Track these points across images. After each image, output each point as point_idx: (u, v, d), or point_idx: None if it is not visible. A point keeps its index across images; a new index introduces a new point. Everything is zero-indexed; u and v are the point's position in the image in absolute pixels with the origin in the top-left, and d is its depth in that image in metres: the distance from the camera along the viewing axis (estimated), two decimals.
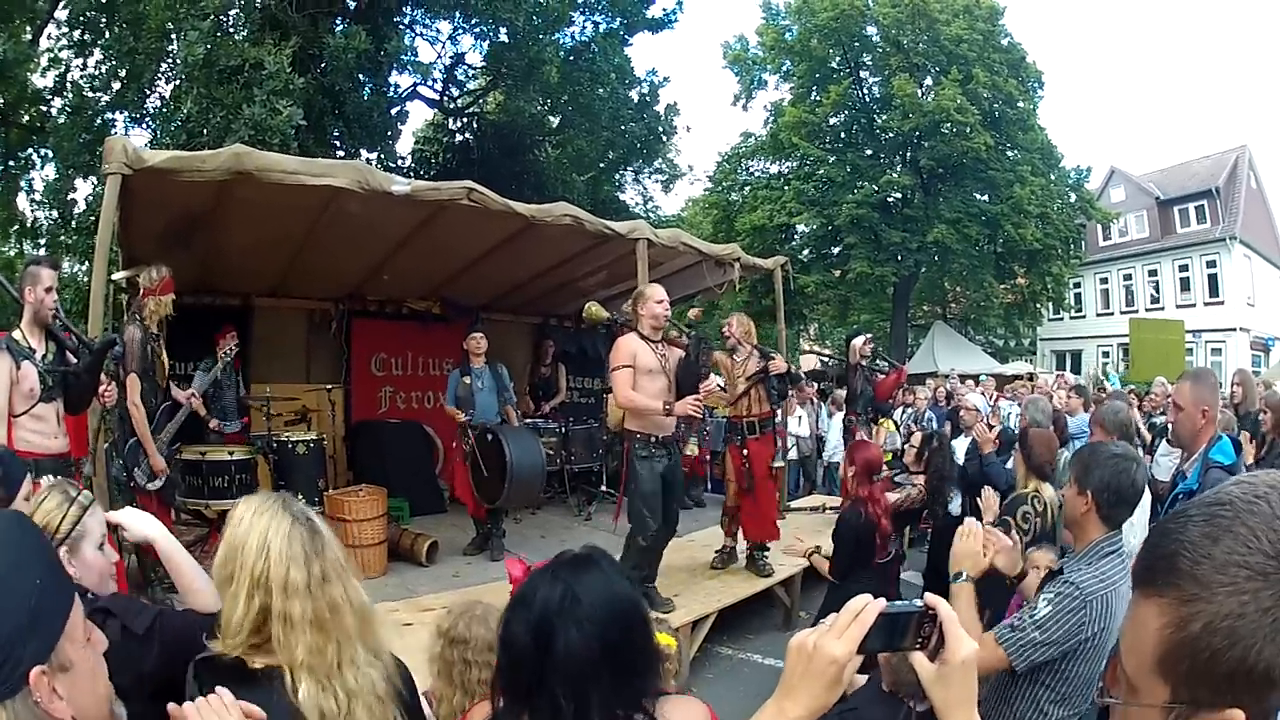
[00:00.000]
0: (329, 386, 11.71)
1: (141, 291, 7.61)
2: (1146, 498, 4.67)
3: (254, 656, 2.13)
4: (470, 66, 27.00)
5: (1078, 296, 42.48)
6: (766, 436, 9.05)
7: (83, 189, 20.14)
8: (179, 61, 17.77)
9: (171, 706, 1.91)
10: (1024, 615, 3.28)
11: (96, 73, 19.68)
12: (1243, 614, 1.00)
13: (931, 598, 1.61)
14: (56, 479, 3.22)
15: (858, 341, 11.71)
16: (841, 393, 14.40)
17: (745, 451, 8.92)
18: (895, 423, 12.89)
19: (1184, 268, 38.58)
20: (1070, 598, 3.19)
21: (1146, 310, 37.75)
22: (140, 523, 2.97)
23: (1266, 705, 1.04)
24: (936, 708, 1.62)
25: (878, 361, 12.15)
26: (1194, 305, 36.79)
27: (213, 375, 8.81)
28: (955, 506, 8.27)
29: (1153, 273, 39.93)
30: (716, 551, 9.35)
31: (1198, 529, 1.08)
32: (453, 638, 3.34)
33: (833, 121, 35.80)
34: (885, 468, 7.04)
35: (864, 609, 1.58)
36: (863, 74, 35.41)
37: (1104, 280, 42.17)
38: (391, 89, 24.37)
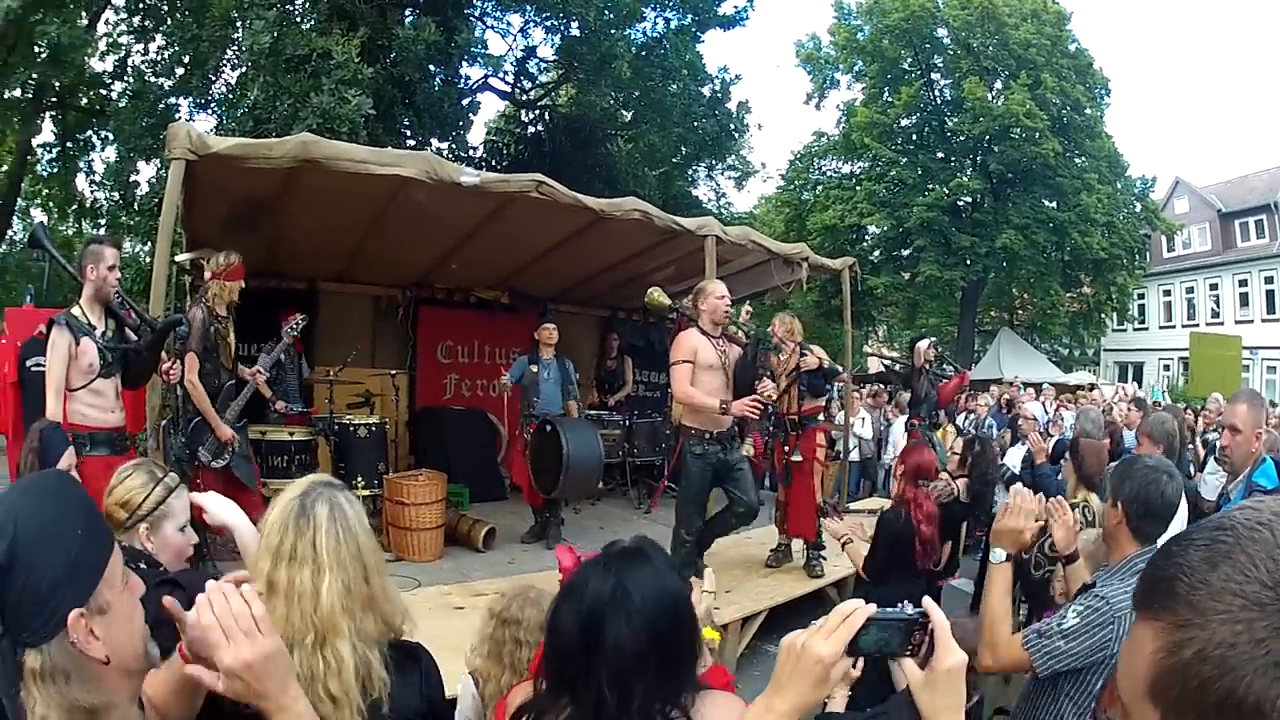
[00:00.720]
0: (394, 372, 11.76)
1: (209, 274, 7.64)
2: (1184, 514, 4.60)
3: None
4: (542, 59, 27.23)
5: (1141, 308, 42.24)
6: (808, 432, 9.04)
7: (145, 171, 20.68)
8: (244, 50, 18.13)
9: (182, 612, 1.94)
10: (1052, 622, 3.26)
11: (158, 58, 20.21)
12: (1235, 644, 0.98)
13: (927, 603, 1.65)
14: (143, 458, 3.29)
15: (922, 345, 11.63)
16: (905, 395, 14.34)
17: (786, 448, 8.95)
18: (958, 428, 12.83)
19: (1243, 282, 38.19)
20: (1099, 612, 3.15)
21: (1207, 324, 37.39)
22: (222, 508, 3.01)
23: None
24: (923, 713, 1.65)
25: (944, 366, 12.10)
26: (1252, 321, 36.41)
27: (276, 354, 8.83)
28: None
29: (1214, 286, 39.58)
30: (771, 550, 9.32)
31: (1198, 553, 1.06)
32: (505, 618, 3.37)
33: (904, 123, 35.87)
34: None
35: (853, 612, 1.62)
36: (934, 76, 35.42)
37: (1167, 292, 41.88)
38: (462, 80, 24.58)
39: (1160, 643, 1.05)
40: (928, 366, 11.51)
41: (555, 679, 2.01)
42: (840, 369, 10.35)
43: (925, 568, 5.97)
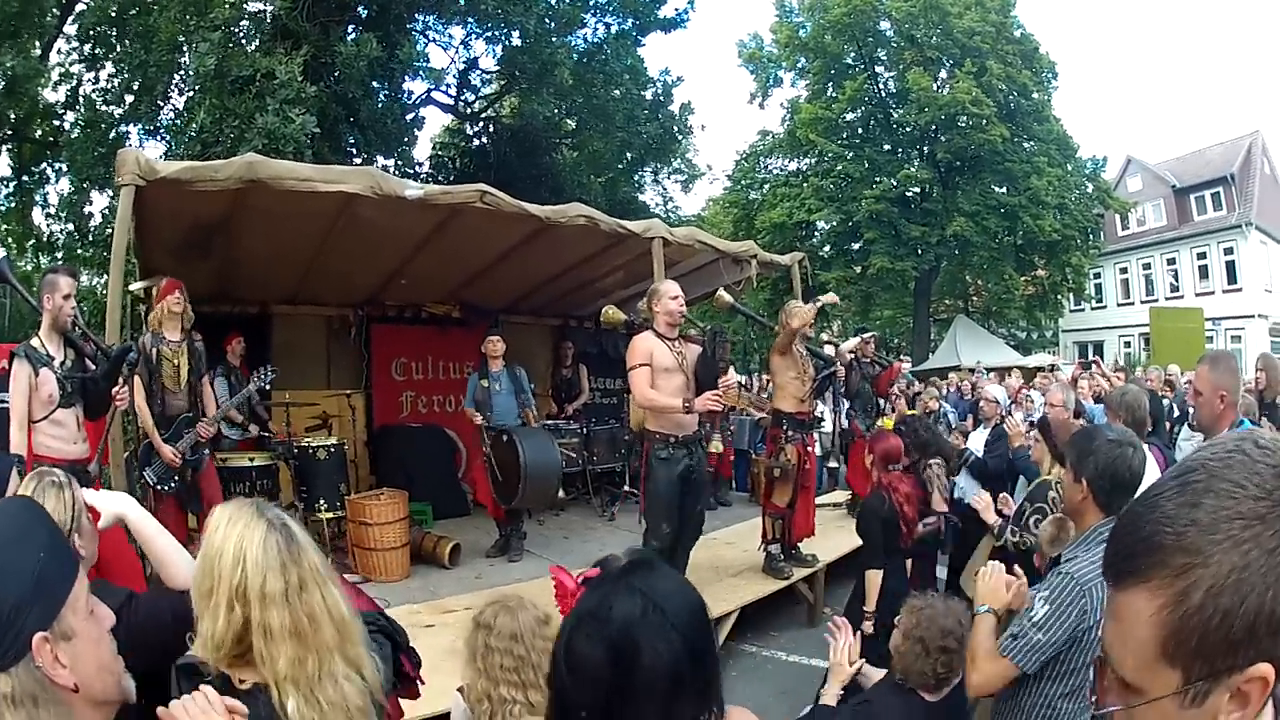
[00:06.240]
0: (349, 392, 11.79)
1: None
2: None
3: (239, 671, 2.10)
4: (484, 71, 27.18)
5: (1098, 287, 42.62)
6: (809, 435, 9.00)
7: (99, 202, 20.57)
8: (191, 73, 18.02)
9: (160, 710, 1.91)
10: (1023, 620, 3.23)
11: (109, 86, 20.02)
12: (1247, 564, 0.97)
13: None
14: (36, 470, 3.23)
15: (845, 345, 11.65)
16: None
17: (809, 449, 8.89)
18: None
19: (1202, 255, 38.60)
20: (1066, 590, 3.13)
21: (1166, 299, 37.63)
22: (110, 502, 2.96)
23: None
24: None
25: (887, 356, 12.18)
26: (1213, 293, 36.75)
27: (243, 396, 8.90)
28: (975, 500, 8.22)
29: (1171, 261, 39.98)
30: (780, 559, 9.00)
31: (1171, 503, 1.05)
32: (480, 623, 3.37)
33: (849, 117, 36.07)
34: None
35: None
36: (878, 69, 35.69)
37: (1123, 270, 42.22)
38: (406, 95, 24.49)
39: (1159, 601, 1.04)
40: (863, 358, 11.57)
41: (577, 715, 1.84)
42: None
43: (908, 545, 6.09)
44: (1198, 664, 1.01)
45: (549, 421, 11.64)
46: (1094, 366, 15.86)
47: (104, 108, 19.72)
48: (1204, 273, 38.39)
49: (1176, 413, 10.44)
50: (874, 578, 6.07)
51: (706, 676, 1.85)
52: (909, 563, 6.31)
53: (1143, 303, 38.64)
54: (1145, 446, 3.52)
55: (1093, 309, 43.13)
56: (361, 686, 2.15)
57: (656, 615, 1.78)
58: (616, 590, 1.85)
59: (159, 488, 7.48)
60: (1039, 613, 3.14)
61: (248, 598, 2.03)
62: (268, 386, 8.98)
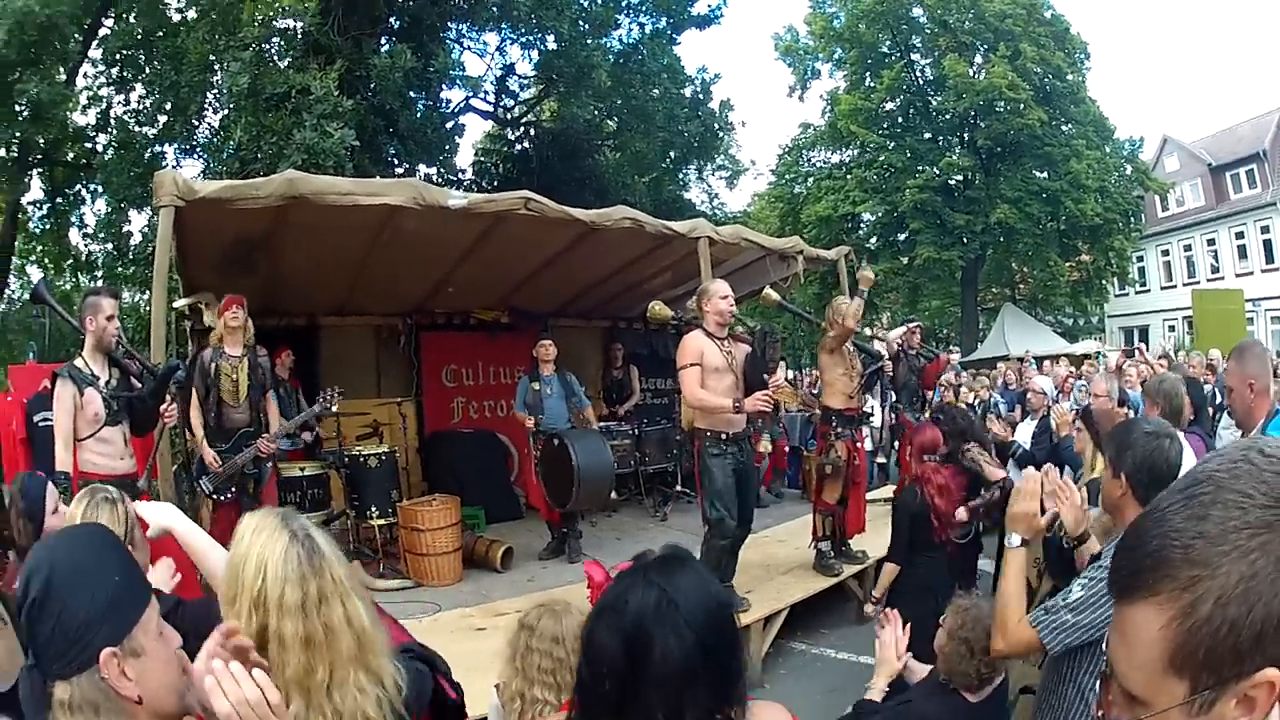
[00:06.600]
0: (400, 400, 11.79)
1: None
2: None
3: None
4: (521, 76, 27.20)
5: (1141, 270, 42.12)
6: (858, 430, 8.94)
7: (137, 220, 20.91)
8: (224, 92, 18.21)
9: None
10: (1059, 598, 3.16)
11: (140, 107, 20.41)
12: (1255, 573, 0.98)
13: None
14: (89, 488, 3.26)
15: (893, 334, 11.59)
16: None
17: (859, 445, 8.84)
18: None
19: (1240, 235, 37.98)
20: (1104, 582, 3.05)
21: (1208, 280, 37.21)
22: (157, 514, 3.03)
23: None
24: None
25: (935, 348, 12.07)
26: (1252, 273, 36.19)
27: (307, 416, 8.94)
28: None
29: (1211, 242, 39.39)
30: (831, 556, 8.88)
31: (1179, 516, 1.06)
32: (524, 623, 3.42)
33: (888, 107, 36.17)
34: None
35: None
36: (913, 57, 35.69)
37: (1165, 252, 41.66)
38: (444, 104, 24.63)
39: (1168, 614, 1.03)
40: (910, 351, 11.52)
41: (595, 702, 1.90)
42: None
43: (945, 539, 6.01)
44: (1205, 674, 1.02)
45: (599, 423, 11.63)
46: (1136, 354, 15.71)
47: (137, 129, 20.02)
48: (1242, 252, 37.79)
49: (1219, 399, 10.30)
50: (889, 569, 6.15)
51: (722, 674, 1.87)
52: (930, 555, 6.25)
53: (1185, 285, 38.28)
54: (1183, 436, 3.45)
55: (1137, 293, 42.66)
56: (380, 697, 2.15)
57: (670, 610, 1.81)
58: (635, 584, 1.89)
59: (214, 497, 7.55)
60: (1075, 594, 3.09)
61: (266, 606, 2.05)
62: (333, 409, 8.92)
